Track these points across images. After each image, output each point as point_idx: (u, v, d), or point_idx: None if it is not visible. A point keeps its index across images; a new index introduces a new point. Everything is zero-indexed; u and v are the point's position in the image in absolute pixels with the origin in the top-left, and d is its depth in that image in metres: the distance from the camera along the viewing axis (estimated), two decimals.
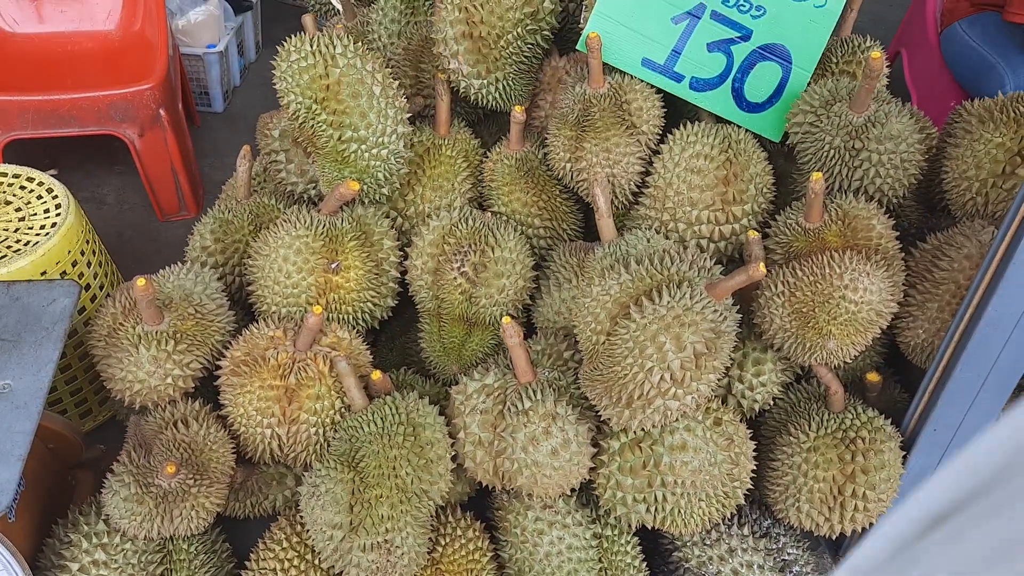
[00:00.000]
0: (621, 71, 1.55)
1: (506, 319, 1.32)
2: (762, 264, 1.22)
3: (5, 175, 1.80)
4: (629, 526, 1.44)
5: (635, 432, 1.34)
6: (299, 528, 1.44)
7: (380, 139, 1.50)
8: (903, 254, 1.44)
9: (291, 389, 1.36)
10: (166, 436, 1.33)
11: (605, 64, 1.53)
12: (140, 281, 1.28)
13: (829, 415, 1.43)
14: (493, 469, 1.37)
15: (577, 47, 1.58)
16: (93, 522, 1.37)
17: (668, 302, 1.21)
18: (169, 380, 1.37)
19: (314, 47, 1.47)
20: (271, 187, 1.82)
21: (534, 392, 1.33)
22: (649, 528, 1.42)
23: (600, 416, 1.35)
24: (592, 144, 1.50)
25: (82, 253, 1.74)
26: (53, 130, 2.13)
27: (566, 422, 1.31)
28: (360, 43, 1.51)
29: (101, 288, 1.81)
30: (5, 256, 1.63)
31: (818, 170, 1.49)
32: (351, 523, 1.29)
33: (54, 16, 2.31)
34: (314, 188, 1.70)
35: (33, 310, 1.36)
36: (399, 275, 1.60)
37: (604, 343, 1.28)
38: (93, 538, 1.35)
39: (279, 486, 1.52)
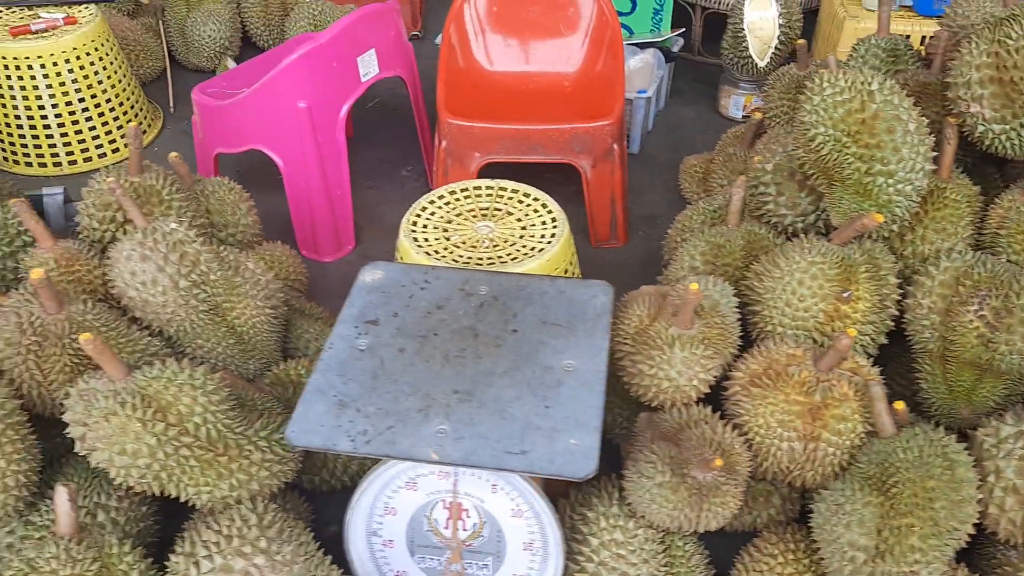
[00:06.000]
0: None
1: None
2: None
3: (505, 189, 2.02)
4: None
5: None
6: (792, 545, 1.46)
7: (907, 175, 1.51)
8: None
9: (816, 407, 1.39)
10: (694, 433, 1.41)
11: None
12: (693, 285, 1.38)
13: None
14: (1022, 520, 1.31)
15: None
16: (607, 504, 1.48)
17: None
18: (695, 382, 1.46)
19: (850, 83, 1.52)
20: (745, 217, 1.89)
21: None
22: None
23: None
24: None
25: (571, 263, 1.91)
26: (522, 156, 2.38)
27: None
28: (892, 80, 1.55)
29: None
30: (516, 258, 1.83)
31: None
32: (877, 547, 1.29)
33: (524, 58, 2.60)
34: (802, 221, 1.75)
35: (578, 303, 1.51)
36: (897, 312, 1.60)
37: None
38: (610, 518, 1.45)
39: (765, 503, 1.55)
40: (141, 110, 3.05)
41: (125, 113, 2.94)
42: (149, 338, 1.57)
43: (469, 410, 1.32)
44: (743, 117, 3.13)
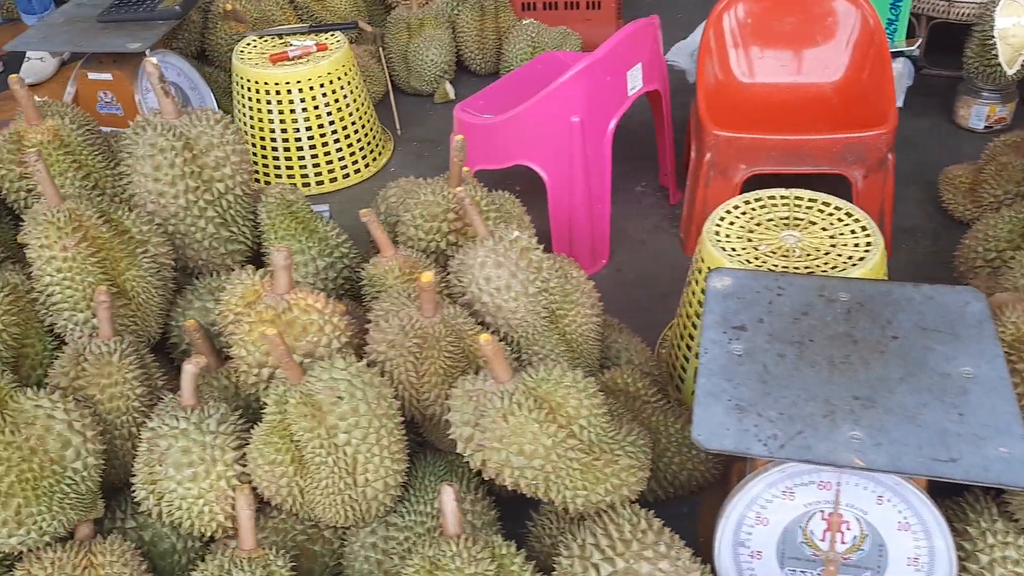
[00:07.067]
0: None
1: None
2: None
3: (802, 199, 1.98)
4: None
5: None
6: None
7: None
8: None
9: None
10: None
11: None
12: None
13: None
14: None
15: None
16: (987, 519, 1.41)
17: None
18: None
19: None
20: None
21: None
22: None
23: None
24: None
25: (885, 274, 1.85)
26: (791, 167, 2.34)
27: None
28: None
29: None
30: (836, 267, 1.78)
31: None
32: None
33: (781, 69, 2.57)
34: None
35: (952, 309, 1.46)
36: None
37: None
38: (997, 534, 1.39)
39: None
40: (377, 134, 3.16)
41: (367, 135, 3.05)
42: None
43: (877, 416, 1.28)
44: (985, 128, 3.00)
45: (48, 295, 1.57)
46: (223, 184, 1.78)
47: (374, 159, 3.10)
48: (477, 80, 3.68)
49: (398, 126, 3.34)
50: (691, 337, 1.96)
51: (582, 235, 2.46)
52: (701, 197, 2.43)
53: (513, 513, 1.62)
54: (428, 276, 1.43)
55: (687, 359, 2.01)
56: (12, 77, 1.83)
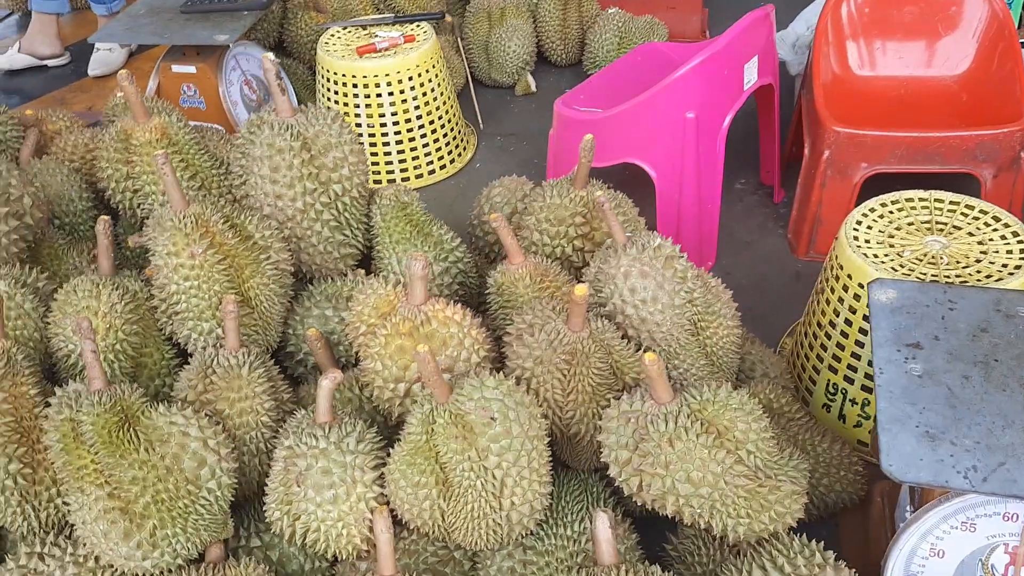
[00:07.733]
0: None
1: None
2: None
3: (942, 201, 1.86)
4: None
5: None
6: None
7: None
8: None
9: None
10: None
11: None
12: None
13: None
14: None
15: None
16: None
17: None
18: None
19: None
20: None
21: None
22: None
23: None
24: None
25: None
26: (916, 166, 2.21)
27: None
28: None
29: None
30: (991, 275, 1.67)
31: None
32: None
33: (899, 62, 2.44)
34: None
35: None
36: None
37: None
38: None
39: None
40: (462, 128, 3.07)
41: (453, 129, 2.97)
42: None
43: None
44: None
45: (172, 304, 1.51)
46: (340, 186, 1.70)
47: (459, 154, 3.02)
48: (557, 72, 3.57)
49: (480, 119, 3.25)
50: (823, 347, 1.86)
51: (690, 236, 2.35)
52: (816, 198, 2.31)
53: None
54: (582, 289, 1.34)
55: (816, 370, 1.90)
56: (121, 73, 1.76)
